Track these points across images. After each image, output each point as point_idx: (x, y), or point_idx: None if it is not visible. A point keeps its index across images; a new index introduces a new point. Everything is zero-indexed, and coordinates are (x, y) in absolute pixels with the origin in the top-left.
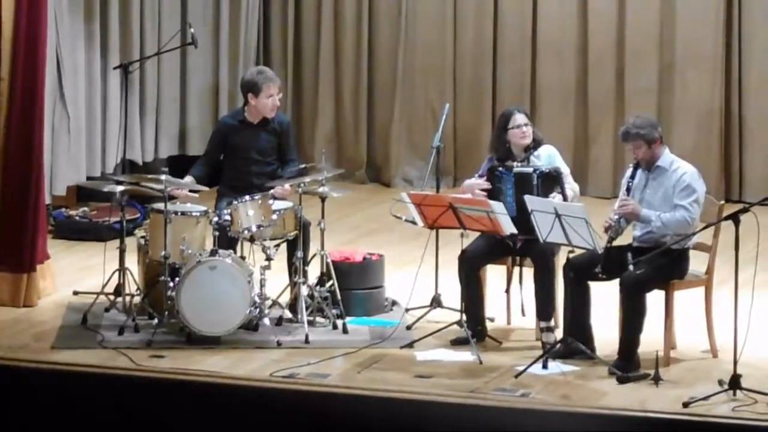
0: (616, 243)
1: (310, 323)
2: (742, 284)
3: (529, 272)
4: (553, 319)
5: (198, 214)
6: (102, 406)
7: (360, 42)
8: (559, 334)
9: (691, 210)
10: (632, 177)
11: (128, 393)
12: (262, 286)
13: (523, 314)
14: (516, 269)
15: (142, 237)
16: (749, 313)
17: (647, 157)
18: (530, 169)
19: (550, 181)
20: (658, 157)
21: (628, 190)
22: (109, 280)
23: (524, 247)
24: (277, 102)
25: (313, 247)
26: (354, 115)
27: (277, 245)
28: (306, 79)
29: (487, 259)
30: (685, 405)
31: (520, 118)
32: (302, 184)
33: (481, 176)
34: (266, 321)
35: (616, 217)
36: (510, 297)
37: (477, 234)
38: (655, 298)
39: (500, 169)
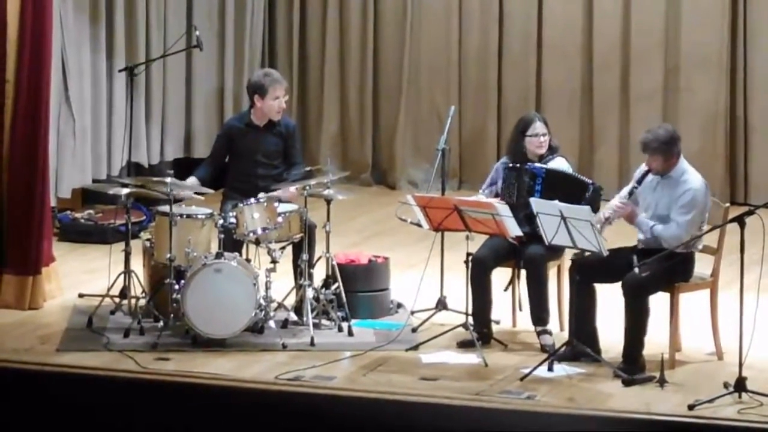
0: (621, 245)
1: (316, 326)
2: (747, 287)
3: None
4: (549, 323)
5: (203, 216)
6: (107, 408)
7: (365, 45)
8: (563, 336)
9: (682, 228)
10: (639, 182)
11: (133, 396)
12: (267, 288)
13: (520, 309)
14: (521, 271)
15: (148, 239)
16: (754, 315)
17: (661, 169)
18: (590, 181)
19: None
20: (672, 168)
21: (631, 193)
22: (114, 282)
23: (519, 250)
24: (284, 104)
25: (319, 249)
26: (359, 117)
27: (283, 248)
28: (311, 82)
29: (500, 261)
30: (691, 407)
31: (539, 127)
32: (307, 187)
33: (492, 183)
34: (271, 323)
35: (608, 214)
36: (515, 299)
37: (482, 236)
38: (660, 301)
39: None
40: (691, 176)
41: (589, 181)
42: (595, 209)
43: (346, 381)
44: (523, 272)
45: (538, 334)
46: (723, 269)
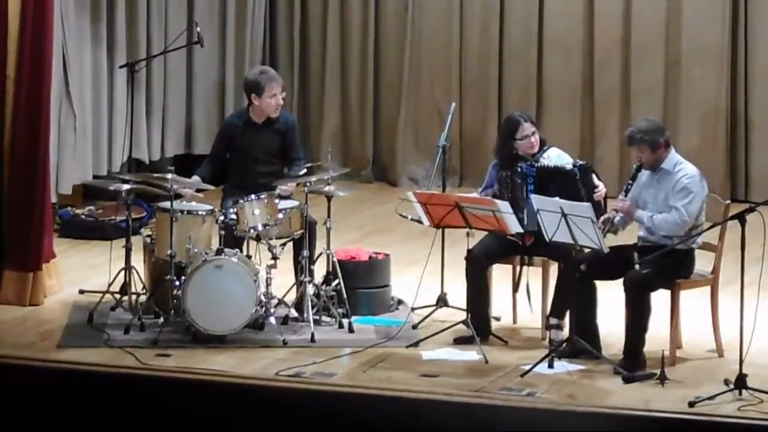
0: (622, 242)
1: (316, 322)
2: (748, 284)
3: (535, 271)
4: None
5: (204, 213)
6: (108, 405)
7: (366, 41)
8: (565, 333)
9: (683, 212)
10: (633, 178)
11: (134, 392)
12: (268, 285)
13: (532, 311)
14: (525, 269)
15: (148, 236)
16: (755, 312)
17: (651, 160)
18: (571, 165)
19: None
20: (662, 160)
21: (627, 191)
22: (115, 278)
23: (545, 248)
24: (281, 101)
25: (319, 246)
26: (360, 114)
27: (283, 244)
28: (312, 78)
29: (495, 258)
30: (691, 404)
31: (527, 128)
32: (308, 183)
33: (488, 186)
34: (272, 320)
35: (610, 214)
36: (517, 297)
37: (483, 233)
38: (661, 298)
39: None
40: (685, 165)
41: (570, 166)
42: (592, 187)
43: (347, 377)
44: (531, 269)
45: (551, 327)
46: (724, 266)
